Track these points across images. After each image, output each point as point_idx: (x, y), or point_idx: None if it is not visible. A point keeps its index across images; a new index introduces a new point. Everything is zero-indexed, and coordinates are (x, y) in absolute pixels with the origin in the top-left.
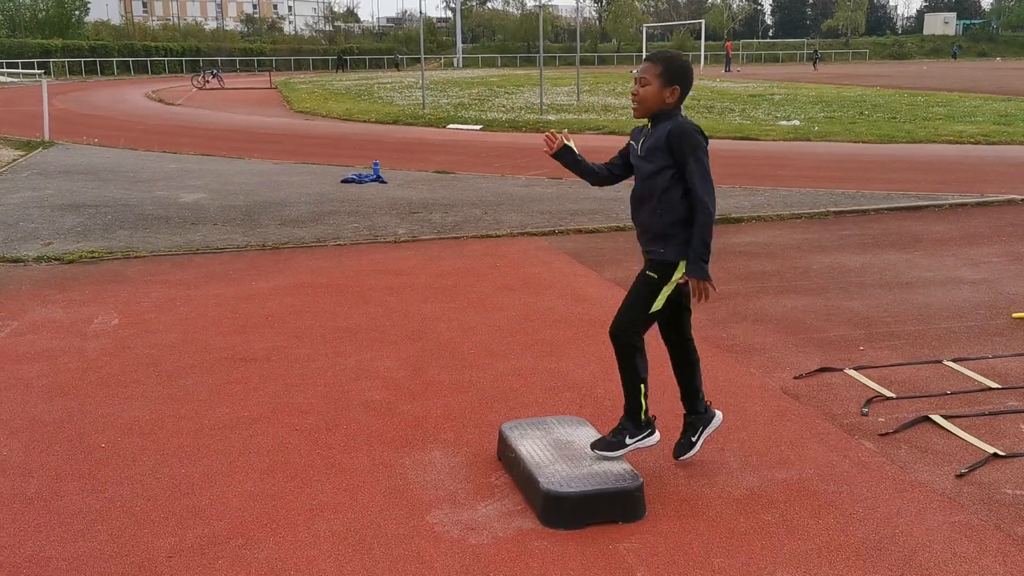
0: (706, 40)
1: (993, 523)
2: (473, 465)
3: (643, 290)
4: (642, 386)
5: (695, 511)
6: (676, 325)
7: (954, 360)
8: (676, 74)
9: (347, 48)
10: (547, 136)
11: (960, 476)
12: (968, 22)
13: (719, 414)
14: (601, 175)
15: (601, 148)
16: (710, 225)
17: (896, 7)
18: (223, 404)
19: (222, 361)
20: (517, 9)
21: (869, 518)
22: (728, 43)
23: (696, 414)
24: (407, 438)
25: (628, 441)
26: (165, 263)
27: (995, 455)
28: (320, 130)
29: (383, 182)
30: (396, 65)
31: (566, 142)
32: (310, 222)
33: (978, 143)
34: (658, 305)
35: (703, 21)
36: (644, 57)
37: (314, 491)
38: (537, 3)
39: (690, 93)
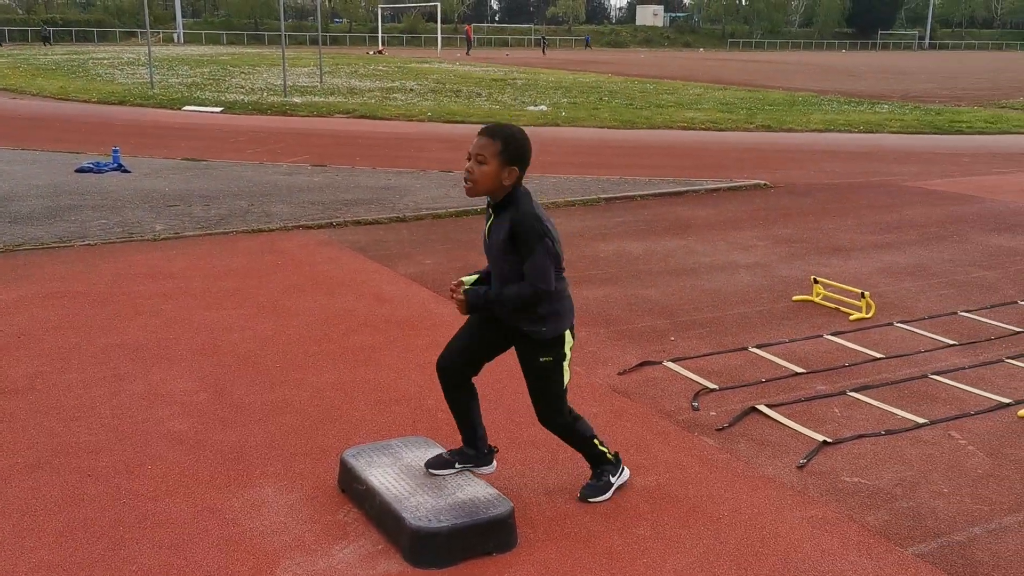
0: (438, 23)
1: (846, 515)
2: (314, 500)
3: (547, 375)
4: (595, 441)
5: (566, 532)
6: (469, 374)
7: (758, 347)
8: (516, 153)
9: (50, 19)
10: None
11: (801, 467)
12: (674, 15)
13: (493, 465)
14: None
15: (356, 132)
16: (518, 301)
17: None
18: None
19: None
20: None
21: (736, 522)
22: (468, 26)
23: (473, 449)
24: (229, 475)
25: (613, 479)
26: None
27: (825, 442)
28: (34, 111)
29: (126, 171)
30: (44, 40)
31: (465, 287)
32: (46, 219)
33: (708, 129)
34: (567, 378)
35: (439, 4)
36: (480, 130)
37: (129, 553)
38: None
39: (527, 169)
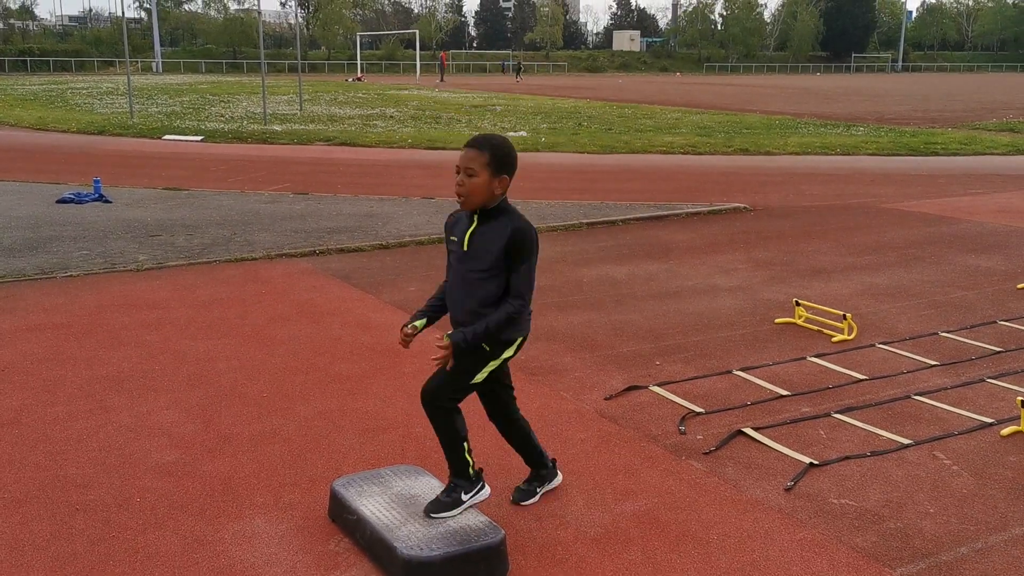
0: (416, 50)
1: (835, 537)
2: (305, 531)
3: (468, 358)
4: (464, 444)
5: (557, 559)
6: (502, 407)
7: (742, 369)
8: (504, 162)
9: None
10: (402, 342)
11: (788, 490)
12: (651, 39)
13: (560, 476)
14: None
15: (337, 159)
16: (511, 321)
17: (586, 24)
18: None
19: None
20: (220, 13)
21: (725, 545)
22: (443, 53)
23: (545, 468)
24: (218, 506)
25: (464, 497)
26: None
27: (811, 464)
28: (12, 141)
29: (107, 201)
30: None
31: (418, 329)
32: (27, 250)
33: (687, 153)
34: (480, 377)
35: (417, 32)
36: (466, 143)
37: None
38: (240, 5)
39: (517, 174)
